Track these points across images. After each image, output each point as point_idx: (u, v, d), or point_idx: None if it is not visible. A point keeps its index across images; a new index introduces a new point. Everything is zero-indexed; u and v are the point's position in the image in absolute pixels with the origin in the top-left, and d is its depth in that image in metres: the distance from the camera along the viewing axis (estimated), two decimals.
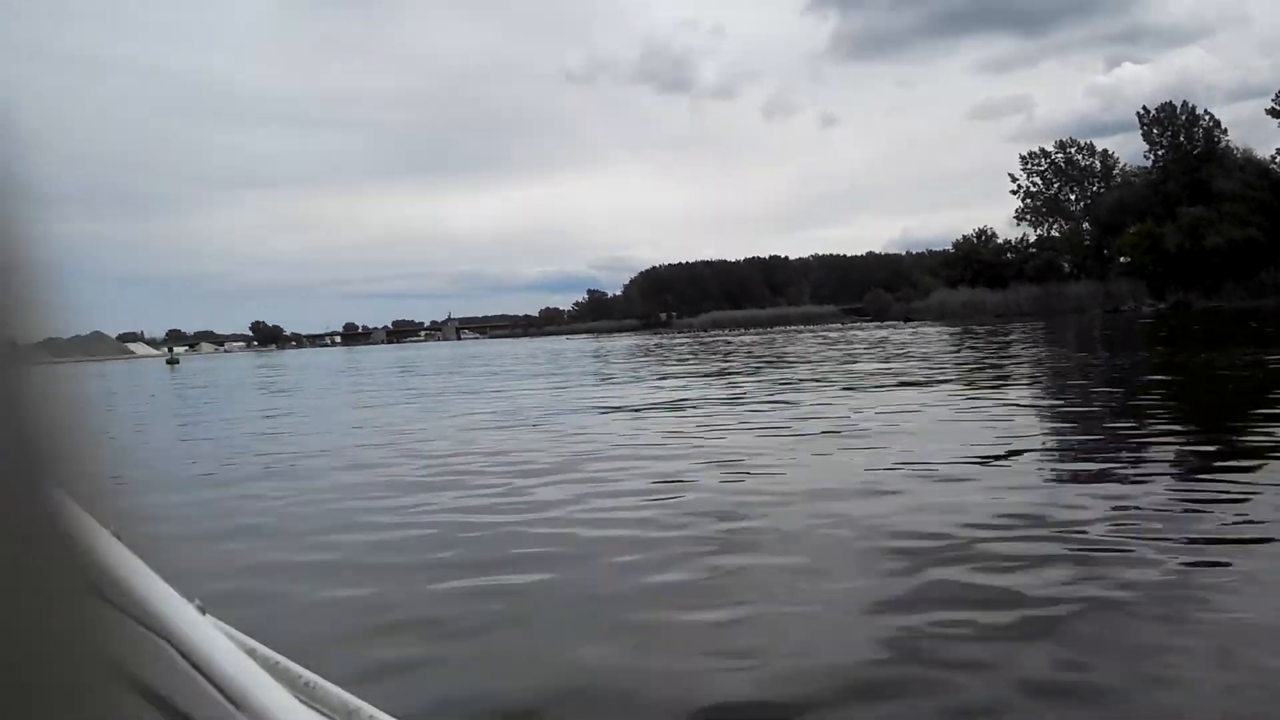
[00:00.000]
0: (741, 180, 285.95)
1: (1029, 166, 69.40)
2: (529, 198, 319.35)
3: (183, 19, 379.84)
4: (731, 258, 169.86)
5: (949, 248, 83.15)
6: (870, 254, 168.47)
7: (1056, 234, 68.45)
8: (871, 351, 25.54)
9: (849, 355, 24.23)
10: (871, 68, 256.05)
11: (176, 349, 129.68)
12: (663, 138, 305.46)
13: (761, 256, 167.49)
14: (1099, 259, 63.65)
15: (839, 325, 79.29)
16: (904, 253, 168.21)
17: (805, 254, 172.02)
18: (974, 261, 71.42)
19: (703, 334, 77.33)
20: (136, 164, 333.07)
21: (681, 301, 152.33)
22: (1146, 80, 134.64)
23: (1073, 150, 68.23)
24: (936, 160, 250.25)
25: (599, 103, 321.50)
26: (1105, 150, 68.00)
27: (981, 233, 75.02)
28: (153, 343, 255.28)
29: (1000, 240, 73.51)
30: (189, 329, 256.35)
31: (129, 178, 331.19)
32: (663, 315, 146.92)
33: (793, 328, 77.38)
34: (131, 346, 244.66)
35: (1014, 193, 70.13)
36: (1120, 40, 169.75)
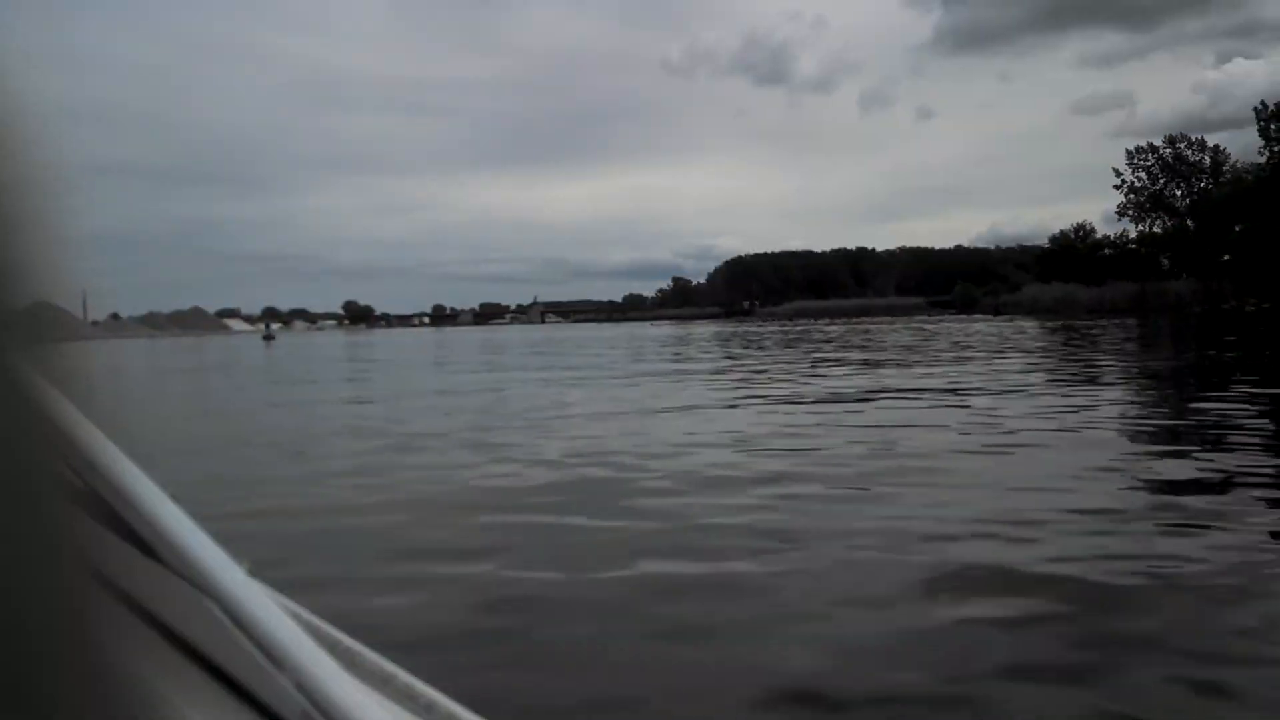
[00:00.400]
0: (833, 172, 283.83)
1: (1135, 161, 67.89)
2: (620, 186, 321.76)
3: (305, 7, 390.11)
4: (818, 249, 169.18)
5: (1040, 243, 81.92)
6: (958, 247, 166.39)
7: (1158, 230, 66.92)
8: (981, 344, 25.36)
9: (960, 349, 23.09)
10: (973, 61, 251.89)
11: (273, 325, 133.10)
12: (756, 129, 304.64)
13: (848, 248, 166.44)
14: (1201, 256, 62.14)
15: (925, 317, 78.63)
16: (992, 247, 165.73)
17: (892, 246, 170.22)
18: (1070, 256, 70.23)
19: (787, 323, 77.31)
20: (247, 146, 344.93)
21: (766, 290, 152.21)
22: (1260, 75, 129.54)
23: (1182, 145, 66.49)
24: (1032, 155, 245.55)
25: (696, 93, 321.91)
26: (1217, 146, 66.08)
27: (1079, 228, 73.73)
28: (249, 319, 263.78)
29: (1099, 236, 72.17)
30: (284, 306, 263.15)
31: (239, 159, 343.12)
32: (745, 304, 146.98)
33: (880, 319, 77.02)
34: (228, 322, 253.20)
35: (1117, 187, 68.74)
36: (1234, 35, 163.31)
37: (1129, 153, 68.37)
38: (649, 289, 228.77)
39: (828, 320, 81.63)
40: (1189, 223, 64.28)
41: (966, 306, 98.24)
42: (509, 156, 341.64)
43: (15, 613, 0.58)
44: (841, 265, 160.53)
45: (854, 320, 77.56)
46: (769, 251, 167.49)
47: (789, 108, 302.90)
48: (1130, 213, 68.12)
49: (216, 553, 0.68)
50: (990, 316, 64.63)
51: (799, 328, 56.37)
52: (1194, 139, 66.64)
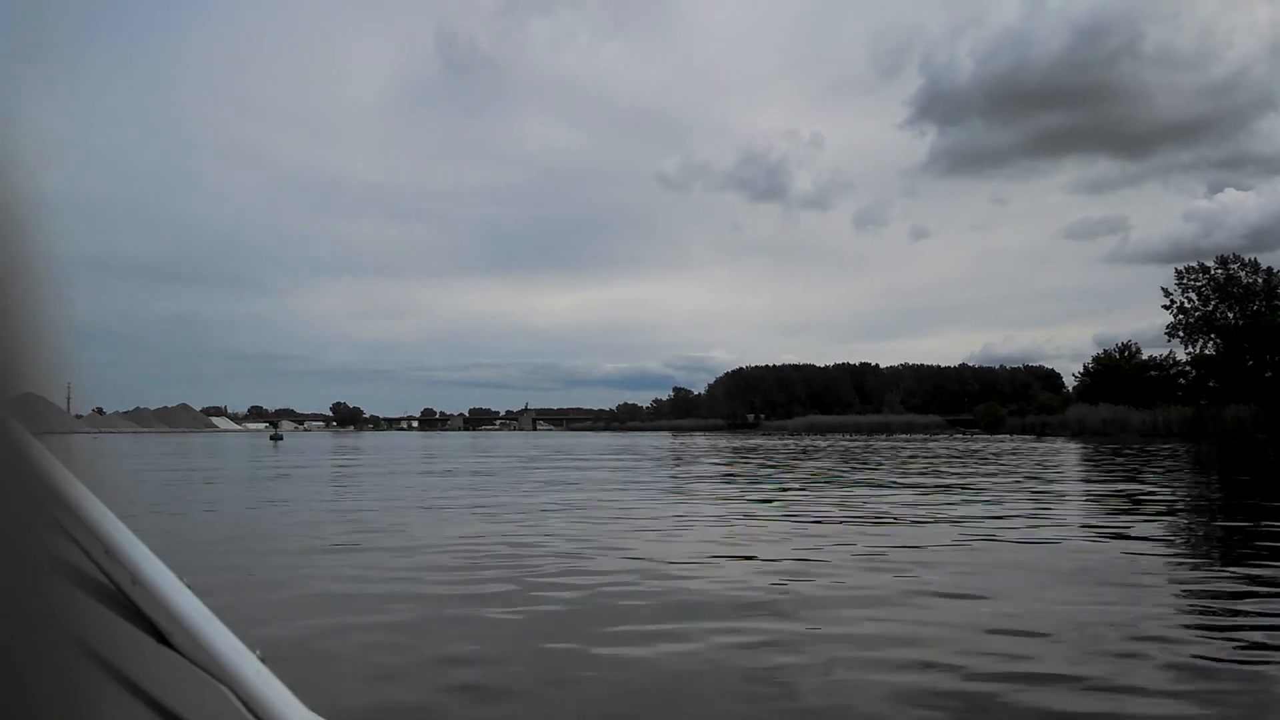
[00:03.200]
0: (827, 288, 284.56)
1: (1185, 281, 64.61)
2: (612, 296, 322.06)
3: (305, 111, 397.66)
4: (818, 363, 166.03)
5: (1042, 364, 78.11)
6: (964, 365, 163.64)
7: (1211, 352, 63.13)
8: (1091, 470, 21.30)
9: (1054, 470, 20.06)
10: (966, 183, 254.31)
11: (280, 426, 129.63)
12: (750, 244, 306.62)
13: (851, 363, 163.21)
14: (1258, 380, 58.25)
15: (948, 435, 74.29)
16: (996, 366, 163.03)
17: (889, 362, 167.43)
18: (1116, 376, 66.24)
19: (798, 437, 73.29)
20: (238, 245, 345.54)
21: (767, 404, 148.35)
22: (1250, 205, 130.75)
23: (1235, 266, 63.34)
24: (1025, 277, 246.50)
25: (691, 207, 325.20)
26: (1270, 268, 62.94)
27: (1124, 347, 69.99)
28: (235, 418, 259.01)
29: (1145, 356, 68.39)
30: (270, 406, 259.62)
31: (229, 258, 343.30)
32: (750, 416, 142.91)
33: (906, 436, 72.52)
34: (215, 420, 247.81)
35: (1166, 308, 65.29)
36: (1224, 166, 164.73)
37: (1179, 272, 65.15)
38: (640, 398, 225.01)
39: (845, 436, 77.06)
40: (1245, 345, 60.48)
41: (991, 426, 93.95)
42: (500, 264, 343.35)
43: (17, 697, 0.60)
44: (845, 380, 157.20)
45: (874, 437, 73.23)
46: (768, 364, 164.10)
47: (784, 224, 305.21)
48: (1180, 334, 64.41)
49: (231, 640, 0.69)
50: (1033, 438, 60.22)
51: (833, 443, 52.24)
52: (1247, 259, 63.52)
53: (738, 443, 56.48)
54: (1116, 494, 14.34)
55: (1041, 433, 67.00)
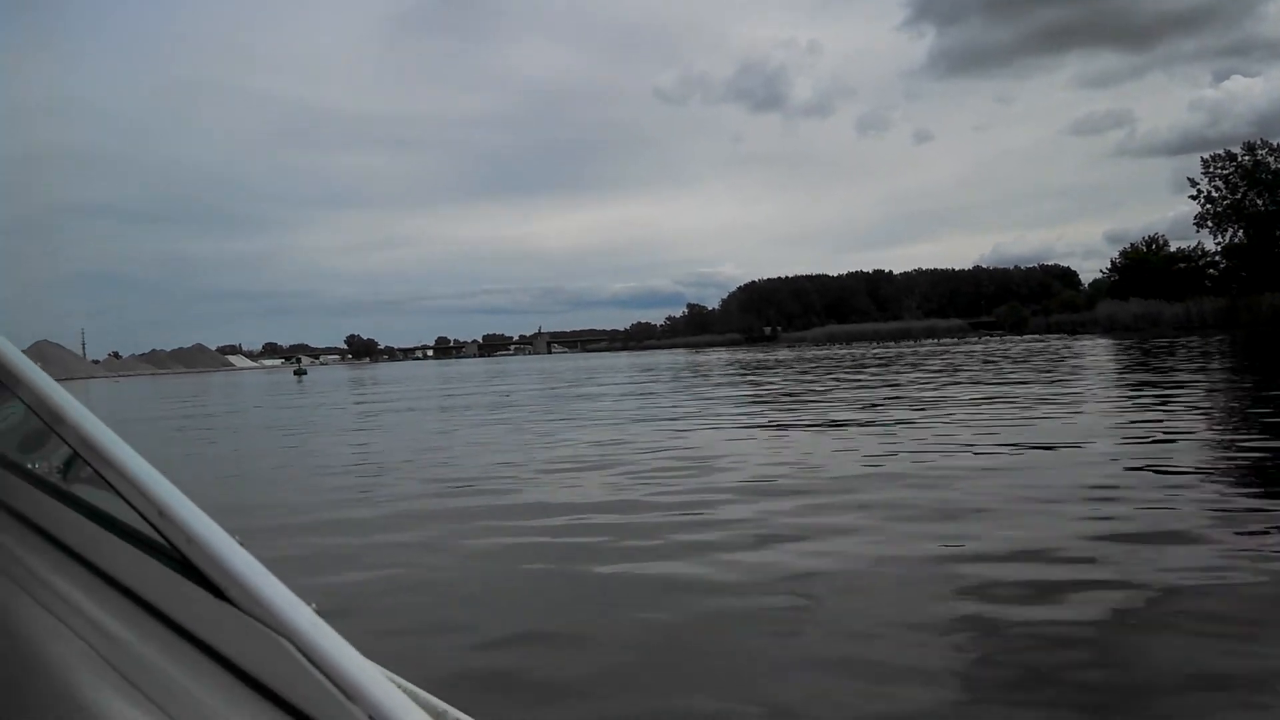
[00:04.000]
0: (831, 197, 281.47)
1: (1212, 170, 63.54)
2: (616, 215, 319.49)
3: (287, 48, 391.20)
4: (832, 272, 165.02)
5: (1053, 263, 77.53)
6: (978, 268, 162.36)
7: (1241, 241, 62.48)
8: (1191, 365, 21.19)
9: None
10: (969, 83, 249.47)
11: (304, 361, 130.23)
12: (753, 155, 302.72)
13: (864, 271, 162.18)
14: None
15: (977, 338, 74.22)
16: (1011, 267, 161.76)
17: (900, 268, 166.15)
18: (1144, 271, 65.75)
19: (817, 348, 73.27)
20: (237, 185, 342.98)
21: (783, 315, 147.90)
22: (1258, 92, 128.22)
23: (1263, 153, 62.22)
24: (1032, 176, 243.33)
25: (690, 121, 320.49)
26: None
27: (1151, 240, 69.34)
28: (250, 355, 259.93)
29: (1174, 249, 67.77)
30: (284, 342, 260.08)
31: (230, 198, 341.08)
32: (766, 329, 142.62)
33: (932, 341, 72.50)
34: (231, 359, 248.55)
35: (1193, 197, 64.38)
36: (1230, 53, 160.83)
37: (1205, 161, 64.06)
38: (650, 316, 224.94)
39: (872, 344, 76.94)
40: (1276, 232, 59.83)
41: (1015, 327, 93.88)
42: (500, 189, 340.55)
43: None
44: (859, 288, 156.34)
45: (904, 344, 73.15)
46: (784, 275, 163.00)
47: (785, 133, 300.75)
48: (1209, 224, 63.70)
49: (286, 593, 0.72)
50: (1067, 336, 60.15)
51: (848, 351, 52.07)
52: (1275, 144, 62.39)
53: (762, 356, 56.50)
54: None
55: (1074, 331, 66.91)
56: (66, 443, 0.97)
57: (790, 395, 18.42)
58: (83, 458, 0.93)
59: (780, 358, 48.93)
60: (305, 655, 0.67)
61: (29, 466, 1.13)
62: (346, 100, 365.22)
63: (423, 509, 7.23)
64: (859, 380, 22.07)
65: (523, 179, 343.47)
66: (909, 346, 60.79)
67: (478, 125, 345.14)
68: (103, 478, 0.88)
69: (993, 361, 28.61)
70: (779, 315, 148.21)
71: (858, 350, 58.68)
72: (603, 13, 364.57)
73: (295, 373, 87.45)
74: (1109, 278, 72.76)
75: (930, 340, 78.44)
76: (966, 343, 61.60)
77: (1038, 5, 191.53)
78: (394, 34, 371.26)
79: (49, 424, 0.99)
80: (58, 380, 0.99)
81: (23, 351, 1.06)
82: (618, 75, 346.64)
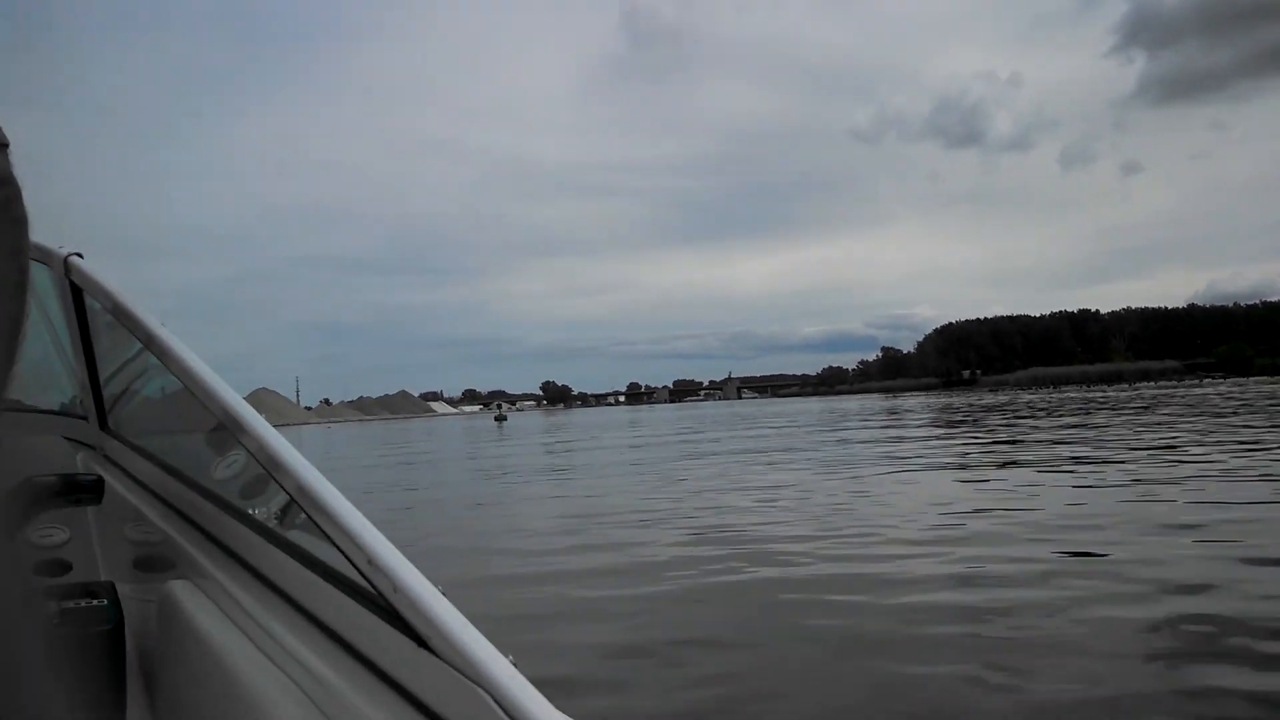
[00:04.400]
0: (1032, 234, 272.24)
1: None
2: (807, 258, 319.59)
3: (499, 103, 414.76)
4: (1033, 313, 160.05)
5: (1259, 301, 72.50)
6: (1192, 306, 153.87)
7: None
8: None
9: None
10: (1182, 110, 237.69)
11: (504, 407, 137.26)
12: (949, 193, 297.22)
13: (1068, 310, 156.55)
14: None
15: (1197, 381, 70.92)
16: (1230, 305, 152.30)
17: (1110, 307, 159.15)
18: None
19: (1025, 392, 70.83)
20: (443, 236, 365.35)
21: (982, 358, 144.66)
22: None
23: None
24: (1252, 207, 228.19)
25: (885, 160, 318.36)
26: None
27: None
28: (451, 401, 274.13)
29: None
30: (483, 388, 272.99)
31: (436, 249, 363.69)
32: (965, 373, 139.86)
33: (1145, 385, 69.90)
34: (433, 405, 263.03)
35: None
36: None
37: None
38: (842, 360, 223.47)
39: (1085, 388, 74.56)
40: None
41: (1239, 368, 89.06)
42: (693, 234, 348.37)
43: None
44: (1063, 328, 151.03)
45: (1116, 386, 70.43)
46: (982, 317, 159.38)
47: (984, 169, 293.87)
48: None
49: (486, 645, 0.73)
50: None
51: (1066, 397, 50.48)
52: None
53: (974, 400, 54.72)
54: None
55: None
56: (285, 490, 1.02)
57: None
58: (299, 505, 0.98)
59: (1006, 403, 47.97)
60: (501, 706, 0.69)
61: (249, 512, 1.24)
62: (548, 149, 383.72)
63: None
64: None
65: (716, 223, 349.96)
66: (1126, 390, 58.39)
67: (672, 170, 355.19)
68: (317, 525, 0.93)
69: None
70: (978, 358, 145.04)
71: (1072, 394, 56.93)
72: (794, 52, 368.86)
73: (496, 419, 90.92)
74: None
75: (1146, 383, 75.32)
76: (1197, 386, 57.97)
77: (1259, 22, 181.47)
78: (594, 83, 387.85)
79: (269, 472, 1.05)
80: (274, 425, 1.09)
81: (243, 399, 1.17)
82: (811, 115, 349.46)
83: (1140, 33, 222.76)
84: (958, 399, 63.81)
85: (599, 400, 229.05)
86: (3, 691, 0.40)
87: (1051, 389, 79.52)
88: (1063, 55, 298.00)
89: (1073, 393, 60.00)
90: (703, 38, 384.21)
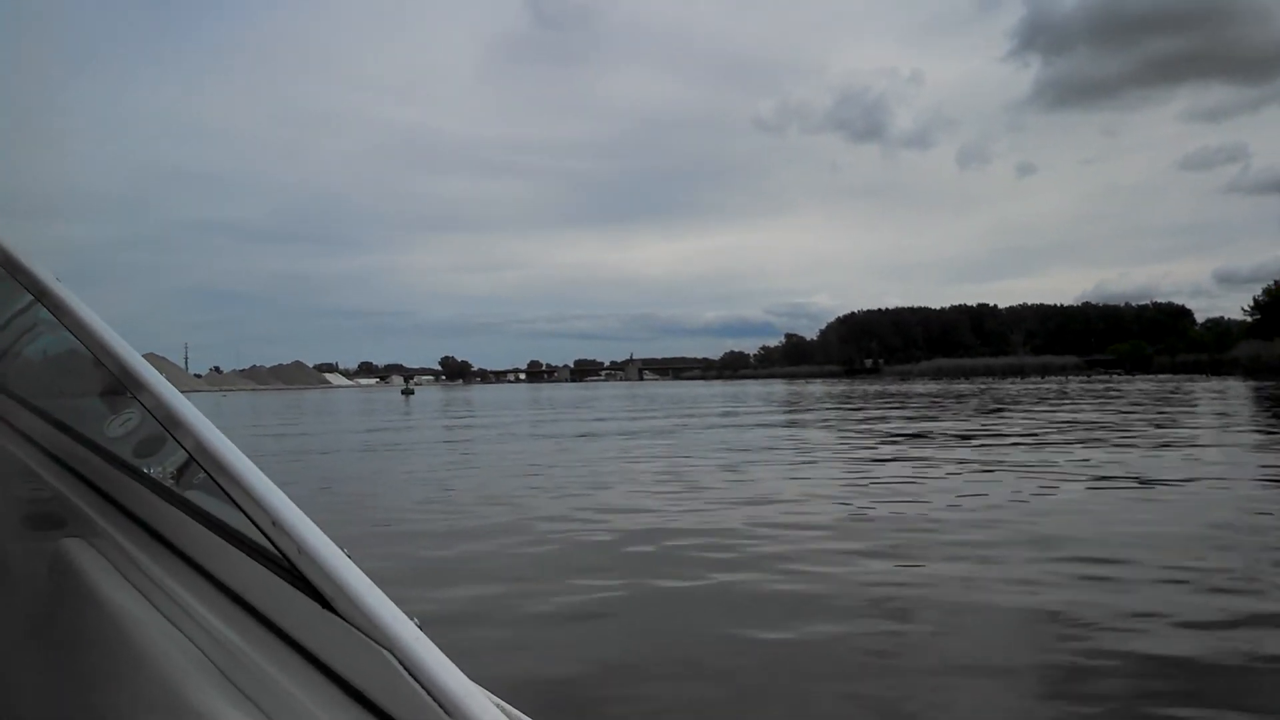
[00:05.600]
0: (930, 229, 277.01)
1: None
2: (710, 244, 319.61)
3: (401, 75, 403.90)
4: (925, 305, 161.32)
5: (1157, 301, 73.57)
6: (1087, 304, 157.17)
7: None
8: None
9: None
10: (1075, 116, 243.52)
11: (410, 380, 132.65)
12: (850, 186, 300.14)
13: (968, 304, 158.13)
14: None
15: (1089, 376, 70.92)
16: (1122, 304, 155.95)
17: (1004, 303, 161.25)
18: None
19: (931, 382, 70.68)
20: (344, 206, 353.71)
21: (884, 348, 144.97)
22: None
23: None
24: (1139, 212, 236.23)
25: (788, 151, 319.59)
26: None
27: None
28: (347, 373, 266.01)
29: None
30: (379, 361, 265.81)
31: (336, 219, 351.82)
32: (868, 362, 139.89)
33: (1058, 379, 69.55)
34: (329, 376, 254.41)
35: None
36: None
37: None
38: (740, 346, 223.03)
39: (982, 381, 74.06)
40: None
41: (1138, 365, 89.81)
42: (597, 216, 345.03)
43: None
44: (963, 321, 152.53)
45: (1011, 379, 70.33)
46: (881, 308, 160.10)
47: (884, 164, 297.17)
48: None
49: (391, 607, 0.73)
50: (1204, 377, 56.90)
51: (963, 386, 49.71)
52: None
53: (879, 389, 54.61)
54: None
55: (1214, 371, 63.38)
56: (184, 449, 0.97)
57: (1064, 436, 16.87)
58: (199, 465, 0.94)
59: (916, 391, 47.03)
60: (406, 668, 0.68)
61: (145, 471, 1.14)
62: (451, 125, 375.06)
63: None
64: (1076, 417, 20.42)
65: (619, 206, 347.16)
66: (1032, 383, 58.30)
67: (578, 152, 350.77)
68: (219, 486, 0.90)
69: (1186, 404, 26.53)
70: (880, 348, 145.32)
71: (977, 385, 56.45)
72: (703, 42, 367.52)
73: (403, 392, 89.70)
74: (1250, 316, 69.00)
75: (1052, 377, 75.27)
76: (1090, 381, 58.65)
77: (1148, 35, 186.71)
78: (498, 61, 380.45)
79: (167, 429, 1.00)
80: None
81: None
82: (716, 103, 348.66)
83: (1036, 38, 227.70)
84: (865, 387, 62.90)
85: (499, 377, 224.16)
86: None
87: (954, 379, 79.02)
88: (962, 56, 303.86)
89: (976, 384, 59.60)
90: (610, 21, 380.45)
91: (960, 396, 37.29)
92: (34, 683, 1.21)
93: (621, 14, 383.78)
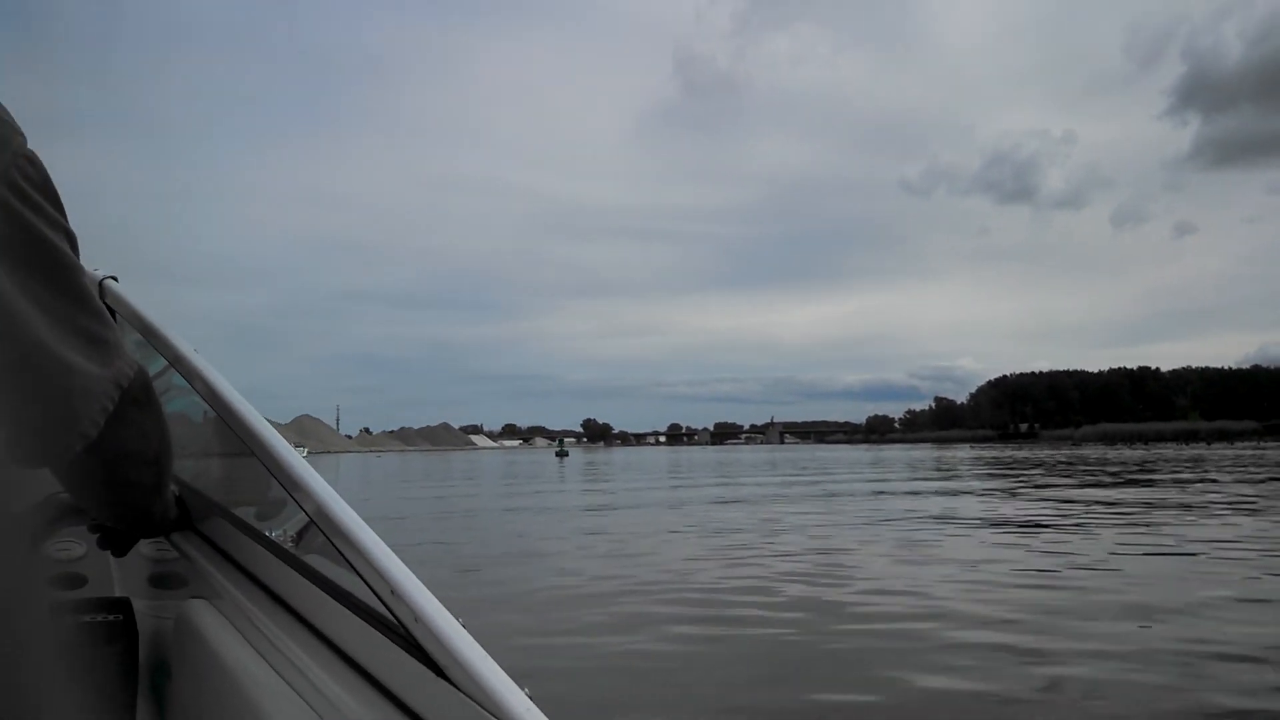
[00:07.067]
0: (1082, 291, 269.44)
1: None
2: (850, 307, 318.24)
3: (549, 144, 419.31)
4: (1080, 368, 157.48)
5: None
6: (1256, 368, 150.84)
7: None
8: None
9: None
10: (1238, 174, 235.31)
11: (566, 441, 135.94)
12: (998, 248, 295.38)
13: (1129, 367, 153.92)
14: None
15: None
16: None
17: (1165, 366, 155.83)
18: None
19: (1105, 448, 68.62)
20: (488, 273, 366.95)
21: (1039, 412, 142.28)
22: None
23: None
24: None
25: (933, 214, 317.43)
26: None
27: None
28: (491, 435, 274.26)
29: None
30: (522, 424, 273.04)
31: (480, 285, 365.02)
32: (1023, 426, 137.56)
33: (1234, 445, 67.72)
34: (473, 438, 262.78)
35: None
36: None
37: None
38: (882, 409, 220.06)
39: (1169, 446, 72.24)
40: None
41: None
42: (739, 281, 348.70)
43: None
44: (1122, 384, 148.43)
45: (1194, 445, 68.30)
46: (1037, 370, 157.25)
47: (1035, 225, 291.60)
48: None
49: (503, 677, 0.74)
50: None
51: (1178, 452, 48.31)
52: None
53: (1055, 453, 52.82)
54: None
55: None
56: (305, 512, 1.01)
57: None
58: (320, 529, 0.96)
59: (1109, 457, 46.10)
60: None
61: (267, 534, 1.20)
62: (597, 192, 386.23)
63: None
64: None
65: (763, 271, 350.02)
66: (1210, 449, 56.39)
67: (722, 217, 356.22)
68: (338, 551, 0.92)
69: None
70: (1035, 411, 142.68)
71: (1154, 451, 55.22)
72: (848, 106, 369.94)
73: (557, 454, 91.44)
74: None
75: (1228, 444, 72.96)
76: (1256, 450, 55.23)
77: None
78: (646, 129, 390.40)
79: (290, 492, 1.04)
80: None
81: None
82: (861, 166, 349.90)
83: (1196, 95, 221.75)
84: (1027, 453, 61.72)
85: (639, 440, 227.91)
86: (20, 702, 0.42)
87: (1121, 445, 77.41)
88: (1117, 116, 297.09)
89: (1156, 450, 57.34)
90: (757, 88, 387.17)
91: (1174, 462, 36.98)
92: None
93: (768, 81, 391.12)
